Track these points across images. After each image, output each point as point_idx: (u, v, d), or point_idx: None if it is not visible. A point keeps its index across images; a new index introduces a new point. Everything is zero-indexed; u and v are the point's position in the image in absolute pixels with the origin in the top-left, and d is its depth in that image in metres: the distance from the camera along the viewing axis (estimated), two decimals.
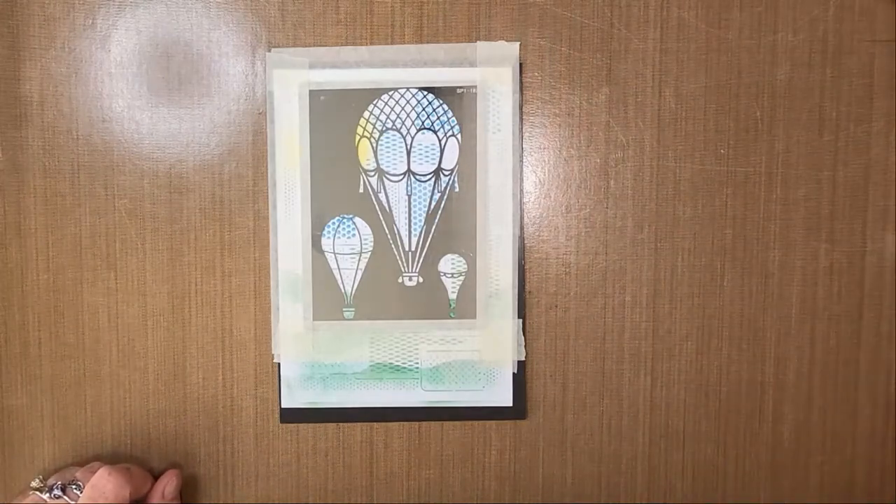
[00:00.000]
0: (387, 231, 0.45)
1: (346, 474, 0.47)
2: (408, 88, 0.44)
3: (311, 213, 0.45)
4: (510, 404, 0.46)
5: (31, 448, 0.46)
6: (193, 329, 0.46)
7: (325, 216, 0.45)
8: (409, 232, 0.45)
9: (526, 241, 0.45)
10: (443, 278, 0.45)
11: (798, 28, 0.44)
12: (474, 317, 0.45)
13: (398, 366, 0.46)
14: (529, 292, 0.45)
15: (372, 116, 0.44)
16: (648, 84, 0.44)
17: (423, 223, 0.45)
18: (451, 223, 0.45)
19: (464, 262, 0.45)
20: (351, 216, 0.45)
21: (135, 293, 0.45)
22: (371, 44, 0.44)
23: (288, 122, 0.44)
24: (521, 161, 0.45)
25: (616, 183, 0.45)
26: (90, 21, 0.44)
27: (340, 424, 0.46)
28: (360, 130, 0.45)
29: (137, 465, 0.43)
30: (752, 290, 0.45)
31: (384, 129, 0.45)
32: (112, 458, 0.46)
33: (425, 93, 0.44)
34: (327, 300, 0.45)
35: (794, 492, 0.46)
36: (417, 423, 0.46)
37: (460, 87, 0.44)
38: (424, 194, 0.45)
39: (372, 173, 0.45)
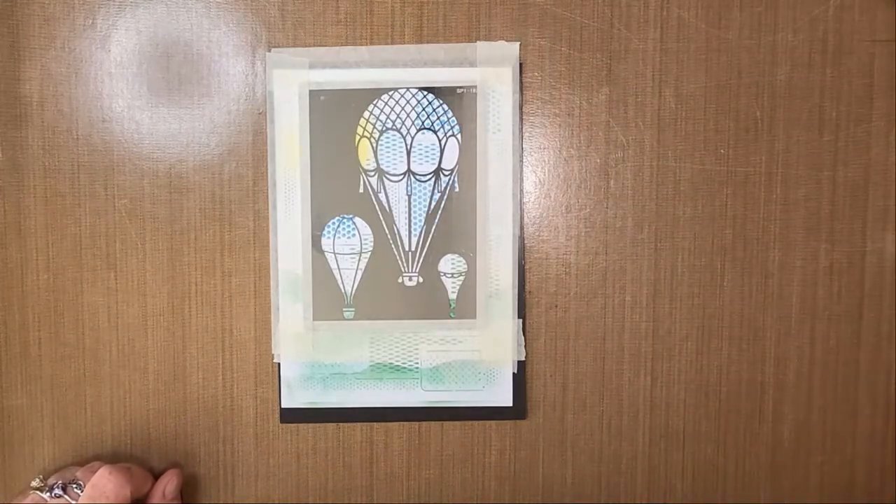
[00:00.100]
0: (387, 231, 0.45)
1: (346, 474, 0.47)
2: (408, 88, 0.44)
3: (311, 213, 0.45)
4: (510, 404, 0.46)
5: (31, 448, 0.46)
6: (193, 329, 0.46)
7: (325, 216, 0.45)
8: (409, 232, 0.45)
9: (526, 241, 0.45)
10: (443, 278, 0.45)
11: (798, 28, 0.44)
12: (474, 317, 0.45)
13: (398, 366, 0.46)
14: (529, 292, 0.45)
15: (372, 116, 0.44)
16: (648, 84, 0.44)
17: (423, 223, 0.45)
18: (451, 223, 0.45)
19: (464, 262, 0.45)
20: (351, 216, 0.45)
21: (135, 293, 0.45)
22: (371, 44, 0.44)
23: (288, 122, 0.44)
24: (521, 161, 0.45)
25: (616, 183, 0.45)
26: (90, 21, 0.44)
27: (340, 424, 0.46)
28: (360, 130, 0.45)
29: (138, 464, 0.43)
30: (752, 290, 0.45)
31: (384, 129, 0.45)
32: (112, 458, 0.46)
33: (425, 93, 0.44)
34: (327, 300, 0.45)
35: (794, 492, 0.46)
36: (417, 423, 0.46)
37: (460, 87, 0.44)
38: (424, 194, 0.45)
39: (372, 173, 0.45)
